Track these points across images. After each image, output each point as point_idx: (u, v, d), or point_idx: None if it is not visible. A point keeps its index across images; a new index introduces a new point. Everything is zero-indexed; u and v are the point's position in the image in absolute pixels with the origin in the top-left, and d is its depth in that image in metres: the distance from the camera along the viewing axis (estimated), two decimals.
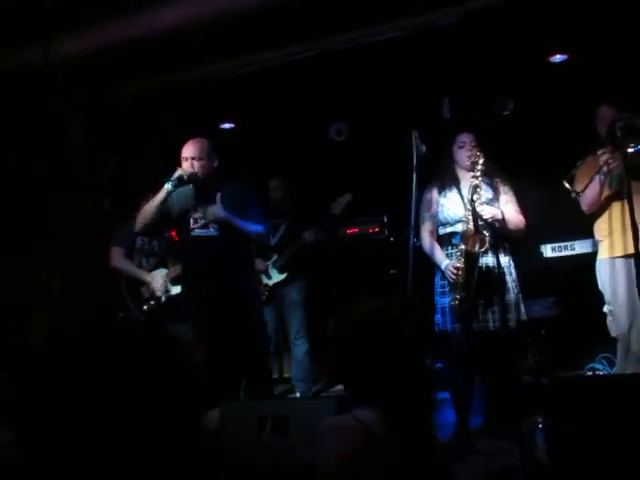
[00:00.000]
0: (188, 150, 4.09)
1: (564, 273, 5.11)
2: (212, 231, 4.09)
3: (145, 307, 4.94)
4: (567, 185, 3.99)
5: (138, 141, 5.32)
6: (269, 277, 5.47)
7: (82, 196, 5.07)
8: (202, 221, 4.08)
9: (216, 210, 4.04)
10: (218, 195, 4.05)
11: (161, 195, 4.02)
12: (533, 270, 4.92)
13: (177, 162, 4.15)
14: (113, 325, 4.82)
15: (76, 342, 4.46)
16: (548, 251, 5.26)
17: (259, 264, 5.34)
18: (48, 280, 4.37)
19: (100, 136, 5.24)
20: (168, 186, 4.01)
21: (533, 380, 4.81)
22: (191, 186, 4.12)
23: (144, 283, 4.98)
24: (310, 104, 5.59)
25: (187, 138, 4.21)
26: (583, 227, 4.45)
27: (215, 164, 4.13)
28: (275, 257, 5.46)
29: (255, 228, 4.13)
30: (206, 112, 5.48)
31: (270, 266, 5.46)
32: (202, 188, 4.12)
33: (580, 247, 5.09)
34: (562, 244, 5.19)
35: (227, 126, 5.93)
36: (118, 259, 5.00)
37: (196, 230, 4.13)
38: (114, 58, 4.46)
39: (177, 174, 4.00)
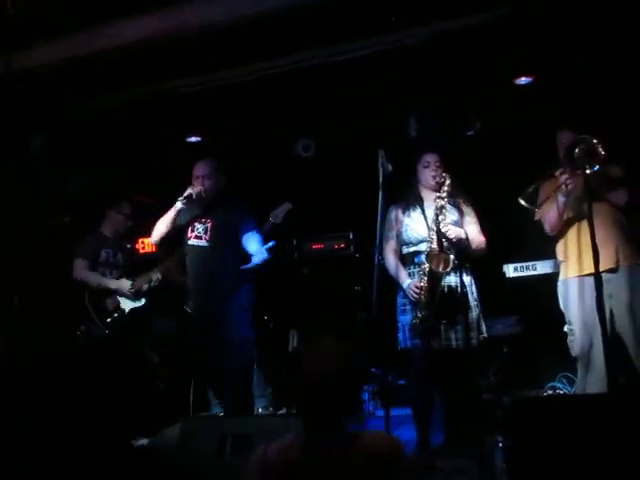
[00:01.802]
0: (200, 169, 4.42)
1: (526, 292, 5.18)
2: (203, 242, 4.39)
3: (109, 320, 4.90)
4: (523, 202, 4.03)
5: (103, 155, 5.27)
6: None
7: (43, 211, 4.99)
8: (198, 232, 4.37)
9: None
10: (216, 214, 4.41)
11: (172, 212, 4.36)
12: (496, 289, 4.97)
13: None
14: (73, 339, 4.80)
15: (36, 356, 4.41)
16: (510, 271, 5.33)
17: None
18: (8, 295, 4.30)
19: (63, 150, 5.17)
20: (178, 204, 4.33)
21: (494, 398, 4.85)
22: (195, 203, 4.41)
23: (108, 296, 4.94)
24: (277, 119, 5.59)
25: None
26: (545, 248, 4.51)
27: (222, 183, 4.48)
28: None
29: (263, 257, 4.38)
30: (173, 126, 5.45)
31: None
32: (207, 205, 4.45)
33: (542, 267, 5.18)
34: (524, 264, 5.27)
35: (194, 139, 5.91)
36: (81, 271, 4.95)
37: (192, 240, 4.42)
38: (80, 70, 4.42)
39: (187, 193, 4.31)
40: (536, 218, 4.18)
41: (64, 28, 4.20)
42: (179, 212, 4.38)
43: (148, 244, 6.33)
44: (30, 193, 4.80)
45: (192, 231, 4.42)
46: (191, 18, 4.21)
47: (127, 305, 4.98)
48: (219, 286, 4.28)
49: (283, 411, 5.01)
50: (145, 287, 5.02)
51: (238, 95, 5.13)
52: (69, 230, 4.61)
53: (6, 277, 4.35)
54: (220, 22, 4.21)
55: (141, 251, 6.45)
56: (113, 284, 4.96)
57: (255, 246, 4.41)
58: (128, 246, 5.37)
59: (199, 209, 4.47)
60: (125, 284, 4.97)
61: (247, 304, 4.44)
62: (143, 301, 5.01)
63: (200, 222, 4.45)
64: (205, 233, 4.41)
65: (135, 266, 5.20)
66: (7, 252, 4.35)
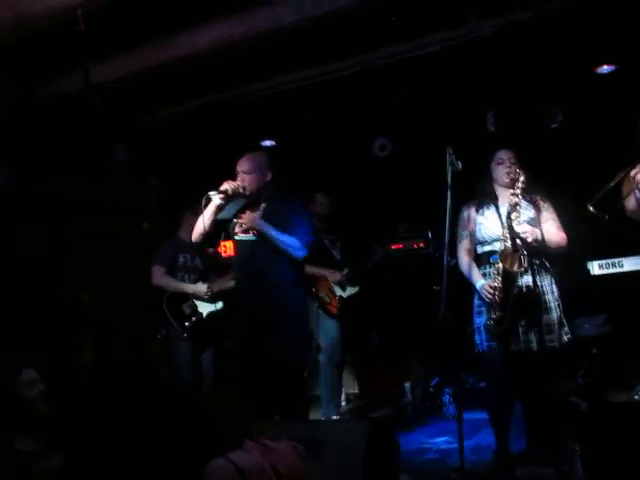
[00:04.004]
0: (240, 164, 4.21)
1: (613, 290, 4.96)
2: (251, 236, 4.16)
3: (187, 324, 4.98)
4: (592, 209, 3.79)
5: (178, 162, 5.38)
6: (344, 289, 5.44)
7: (122, 218, 5.13)
8: (244, 226, 4.17)
9: (253, 218, 4.13)
10: (262, 206, 4.17)
11: (211, 207, 4.09)
12: (580, 288, 4.78)
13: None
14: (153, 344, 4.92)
15: (121, 360, 4.53)
16: (595, 268, 5.12)
17: (336, 276, 5.39)
18: (91, 302, 4.44)
19: (141, 159, 5.30)
20: (216, 199, 4.08)
21: (582, 402, 4.66)
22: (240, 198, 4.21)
23: (186, 300, 5.03)
24: (352, 120, 5.56)
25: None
26: (632, 244, 4.30)
27: (267, 178, 4.20)
28: (346, 270, 5.43)
29: (287, 239, 4.08)
30: (247, 130, 5.51)
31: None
32: (250, 200, 4.20)
33: (629, 264, 4.94)
34: (609, 261, 5.04)
35: (268, 143, 5.95)
36: (159, 277, 5.05)
37: (239, 235, 4.22)
38: (152, 81, 4.52)
39: (222, 188, 4.08)
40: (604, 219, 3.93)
41: (137, 40, 4.31)
42: (219, 207, 4.11)
43: (229, 247, 6.40)
44: (109, 201, 4.94)
45: (240, 225, 4.21)
46: (259, 22, 4.21)
47: (205, 309, 5.05)
48: (270, 281, 4.09)
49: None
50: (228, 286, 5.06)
51: (311, 97, 5.13)
52: (148, 236, 4.71)
53: (85, 285, 4.49)
54: (287, 25, 4.18)
55: (224, 254, 6.53)
56: (190, 288, 5.04)
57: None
58: (211, 250, 5.43)
59: (244, 205, 4.23)
60: (202, 288, 5.04)
61: (301, 300, 4.28)
62: (220, 305, 5.07)
63: None
64: None
65: (217, 269, 5.27)
66: (86, 261, 4.49)
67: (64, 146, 4.82)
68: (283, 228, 4.11)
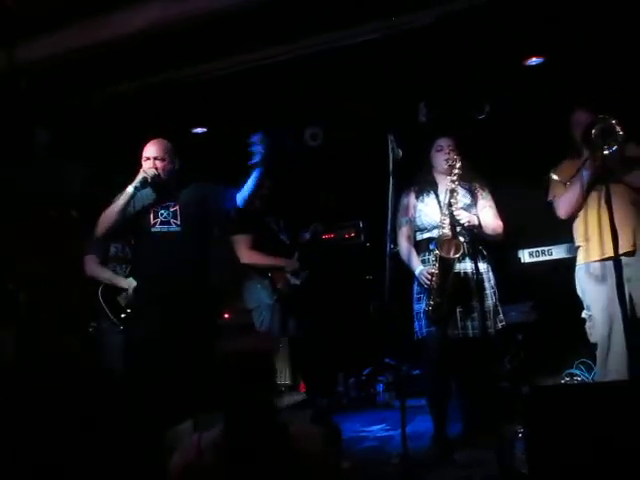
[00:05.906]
0: (150, 150, 4.00)
1: (542, 278, 5.10)
2: (173, 226, 3.96)
3: (123, 315, 4.80)
4: (554, 177, 3.96)
5: (107, 148, 5.19)
6: (298, 277, 5.25)
7: (49, 206, 4.90)
8: (163, 217, 3.95)
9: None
10: (187, 190, 4.01)
11: (124, 198, 3.87)
12: (511, 275, 4.90)
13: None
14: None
15: (45, 355, 4.33)
16: (526, 256, 5.27)
17: (293, 264, 5.21)
18: (15, 293, 4.22)
19: (67, 144, 5.09)
20: (130, 189, 3.87)
21: (510, 387, 4.78)
22: (150, 188, 4.00)
23: (121, 291, 4.86)
24: (284, 108, 5.49)
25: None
26: (560, 232, 4.41)
27: (177, 166, 4.05)
28: (297, 255, 5.25)
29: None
30: (177, 117, 5.37)
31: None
32: (163, 189, 4.01)
33: (557, 252, 5.11)
34: (539, 249, 5.19)
35: (199, 130, 5.83)
36: (92, 267, 4.86)
37: (157, 226, 3.97)
38: (81, 63, 4.33)
39: (141, 177, 3.89)
40: (549, 199, 4.07)
41: (67, 19, 4.12)
42: (132, 198, 3.89)
43: None
44: (35, 188, 4.72)
45: (155, 217, 3.96)
46: (198, 5, 4.11)
47: None
48: (194, 269, 3.96)
49: None
50: None
51: (244, 83, 5.03)
52: (78, 225, 4.50)
53: (12, 273, 4.27)
54: (227, 8, 4.09)
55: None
56: (124, 282, 4.86)
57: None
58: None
59: (156, 195, 4.03)
60: (134, 284, 4.87)
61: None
62: None
63: (163, 207, 3.98)
64: (174, 217, 3.97)
65: None
66: (13, 248, 4.27)
67: None
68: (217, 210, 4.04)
